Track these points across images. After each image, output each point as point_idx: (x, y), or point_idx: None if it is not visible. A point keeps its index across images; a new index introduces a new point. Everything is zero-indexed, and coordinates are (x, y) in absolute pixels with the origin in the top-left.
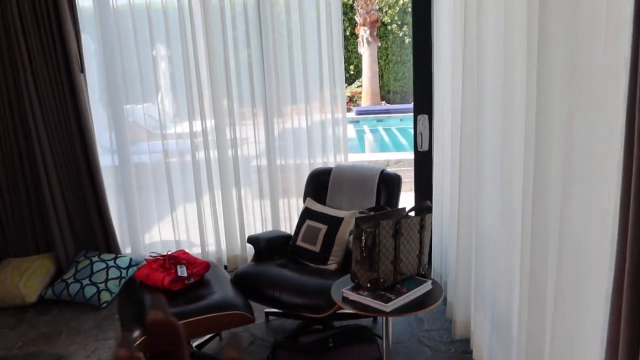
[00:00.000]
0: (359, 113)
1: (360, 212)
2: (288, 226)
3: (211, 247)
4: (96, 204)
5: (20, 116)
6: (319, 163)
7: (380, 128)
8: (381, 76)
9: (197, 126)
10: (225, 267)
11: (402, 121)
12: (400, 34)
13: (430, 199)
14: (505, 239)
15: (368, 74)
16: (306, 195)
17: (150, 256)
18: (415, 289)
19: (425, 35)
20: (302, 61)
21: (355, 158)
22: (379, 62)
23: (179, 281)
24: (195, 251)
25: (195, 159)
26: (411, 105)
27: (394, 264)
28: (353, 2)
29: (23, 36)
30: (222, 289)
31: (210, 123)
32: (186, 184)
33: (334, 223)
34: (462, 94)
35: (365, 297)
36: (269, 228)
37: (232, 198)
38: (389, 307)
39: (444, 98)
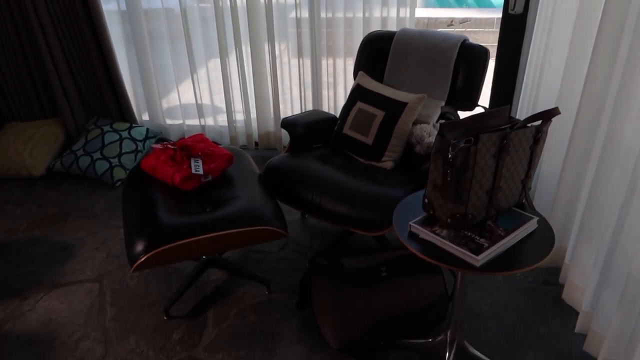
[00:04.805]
0: None
1: (444, 112)
2: (331, 94)
3: (239, 116)
4: (102, 60)
5: None
6: (376, 18)
7: None
8: None
9: None
10: (256, 145)
11: None
12: None
13: (513, 84)
14: None
15: None
16: (358, 67)
17: (160, 144)
18: (516, 231)
19: None
20: None
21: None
22: None
23: (192, 179)
24: (220, 119)
25: (219, 5)
26: None
27: (489, 194)
28: None
29: None
30: (247, 192)
31: None
32: (208, 36)
33: (393, 109)
34: None
35: (444, 238)
36: (308, 94)
37: (265, 56)
38: (479, 259)
39: None
